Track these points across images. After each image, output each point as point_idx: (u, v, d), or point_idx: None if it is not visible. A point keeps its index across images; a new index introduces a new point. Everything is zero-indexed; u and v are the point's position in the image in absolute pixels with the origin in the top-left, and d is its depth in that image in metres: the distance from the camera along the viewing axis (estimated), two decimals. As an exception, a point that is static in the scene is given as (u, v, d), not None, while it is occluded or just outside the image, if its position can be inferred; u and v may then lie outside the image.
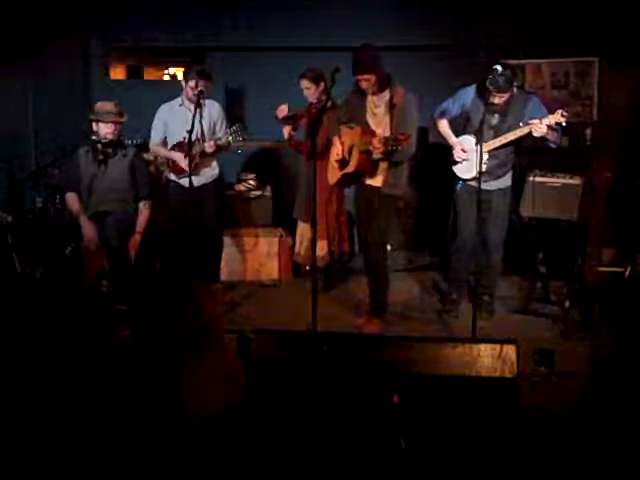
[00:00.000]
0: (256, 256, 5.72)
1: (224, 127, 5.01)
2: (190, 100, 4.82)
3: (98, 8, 6.43)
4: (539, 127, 4.23)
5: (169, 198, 5.14)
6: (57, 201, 5.32)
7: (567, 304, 4.60)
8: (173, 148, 5.00)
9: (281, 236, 5.75)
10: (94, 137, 4.77)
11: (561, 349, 4.02)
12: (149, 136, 5.17)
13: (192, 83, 4.80)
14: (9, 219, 5.07)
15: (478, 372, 3.18)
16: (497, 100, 4.32)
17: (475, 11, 6.06)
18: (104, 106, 4.75)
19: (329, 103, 4.48)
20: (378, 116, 4.34)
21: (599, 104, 6.07)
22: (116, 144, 4.77)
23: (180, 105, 4.98)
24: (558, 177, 5.16)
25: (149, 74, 7.82)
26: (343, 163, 4.42)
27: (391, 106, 4.27)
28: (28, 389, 3.35)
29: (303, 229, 5.33)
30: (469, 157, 4.53)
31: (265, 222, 5.94)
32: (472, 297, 4.52)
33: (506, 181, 4.64)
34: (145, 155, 5.37)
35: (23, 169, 5.98)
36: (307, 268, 5.49)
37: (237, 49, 6.48)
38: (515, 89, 4.39)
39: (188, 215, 4.88)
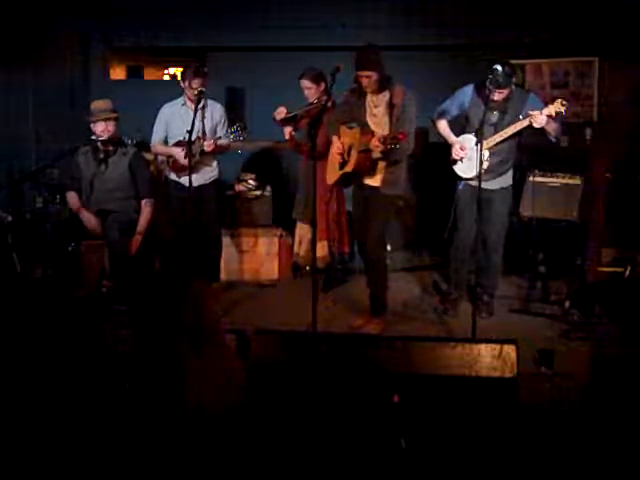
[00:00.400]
0: (256, 256, 5.72)
1: (225, 128, 5.02)
2: (192, 100, 4.82)
3: (98, 8, 6.42)
4: (539, 118, 4.23)
5: (169, 197, 5.14)
6: (57, 201, 5.32)
7: (567, 304, 4.60)
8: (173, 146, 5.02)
9: (281, 236, 5.75)
10: (93, 137, 4.77)
11: (561, 349, 4.02)
12: (149, 135, 5.17)
13: (187, 83, 4.81)
14: (9, 219, 5.07)
15: (478, 372, 3.17)
16: (496, 97, 4.32)
17: (475, 11, 6.06)
18: (97, 105, 4.77)
19: (329, 103, 4.48)
20: (377, 116, 4.34)
21: (599, 104, 6.07)
22: (115, 142, 4.76)
23: (182, 105, 4.99)
24: (558, 177, 5.16)
25: (149, 74, 7.82)
26: (342, 163, 4.43)
27: (390, 106, 4.27)
28: (29, 389, 3.35)
29: (302, 230, 5.32)
30: (469, 155, 4.53)
31: (265, 222, 5.93)
32: (472, 297, 4.52)
33: (507, 180, 4.64)
34: (145, 154, 5.37)
35: (23, 169, 5.99)
36: (307, 268, 5.49)
37: (237, 49, 6.48)
38: (514, 86, 4.39)
39: (188, 215, 4.89)
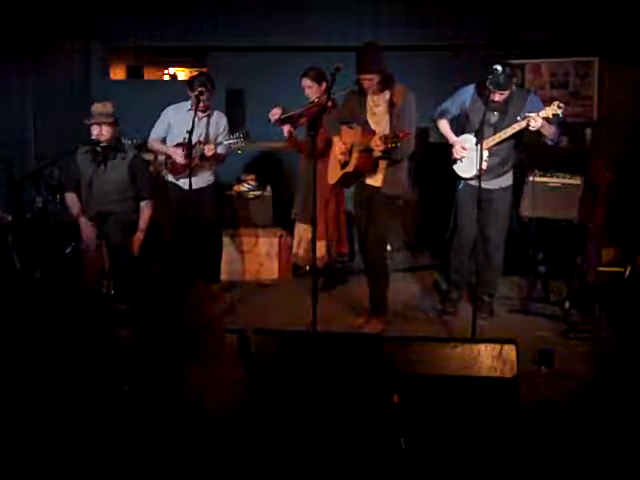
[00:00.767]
0: (256, 256, 5.72)
1: (225, 142, 5.05)
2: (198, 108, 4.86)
3: (98, 8, 6.43)
4: (535, 120, 4.23)
5: (169, 198, 5.15)
6: (57, 201, 5.32)
7: (567, 304, 4.60)
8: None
9: (281, 236, 5.75)
10: (92, 137, 4.77)
11: (561, 349, 4.03)
12: (149, 135, 5.18)
13: (192, 92, 4.86)
14: (9, 219, 5.06)
15: (478, 372, 3.16)
16: (497, 98, 4.33)
17: (475, 11, 6.06)
18: (95, 107, 4.77)
19: (330, 103, 4.48)
20: (378, 115, 4.34)
21: (599, 104, 6.07)
22: (112, 147, 4.75)
23: (189, 110, 4.97)
24: (558, 177, 5.16)
25: (149, 74, 7.82)
26: (343, 162, 4.43)
27: (391, 105, 4.27)
28: (28, 389, 3.35)
29: (301, 230, 5.32)
30: (469, 155, 4.53)
31: (265, 222, 5.94)
32: (472, 297, 4.52)
33: (507, 180, 4.64)
34: (145, 155, 5.37)
35: (23, 169, 5.99)
36: (307, 268, 5.49)
37: (237, 49, 6.48)
38: (514, 87, 4.39)
39: (187, 216, 4.89)
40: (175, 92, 5.16)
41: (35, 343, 3.89)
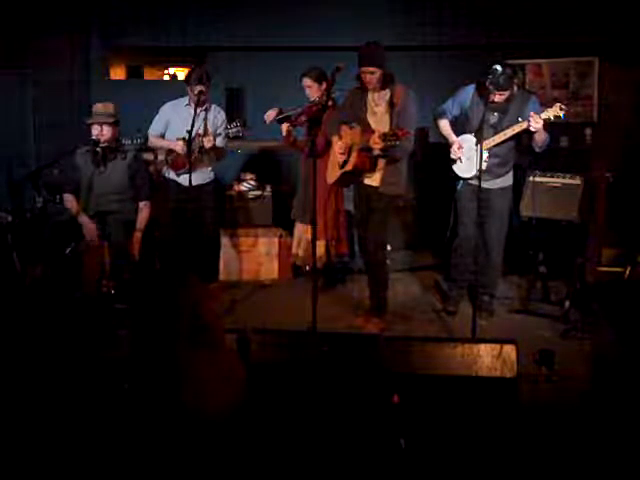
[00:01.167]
0: (256, 256, 5.72)
1: (224, 132, 5.05)
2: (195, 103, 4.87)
3: (98, 8, 6.43)
4: (537, 121, 4.22)
5: (168, 197, 5.15)
6: (57, 201, 5.31)
7: (567, 304, 4.60)
8: None
9: (281, 236, 5.75)
10: (92, 137, 4.77)
11: (561, 349, 4.02)
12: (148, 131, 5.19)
13: (190, 87, 4.89)
14: (9, 219, 5.06)
15: (478, 372, 3.17)
16: (497, 99, 4.33)
17: (475, 11, 6.06)
18: (96, 107, 4.78)
19: (330, 102, 4.48)
20: (378, 114, 4.35)
21: (599, 104, 6.07)
22: (112, 148, 4.75)
23: (186, 105, 5.02)
24: (558, 177, 5.16)
25: (149, 74, 7.81)
26: (343, 162, 4.43)
27: (391, 104, 4.27)
28: (28, 389, 3.35)
29: (301, 230, 5.32)
30: (468, 155, 4.53)
31: (265, 222, 5.93)
32: (472, 297, 4.52)
33: (507, 180, 4.64)
34: (145, 155, 5.37)
35: (23, 169, 5.99)
36: (307, 268, 5.49)
37: (237, 49, 6.48)
38: (515, 88, 4.39)
39: (186, 214, 4.90)
40: (175, 92, 5.15)
41: (35, 343, 3.89)
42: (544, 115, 4.24)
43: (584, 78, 6.10)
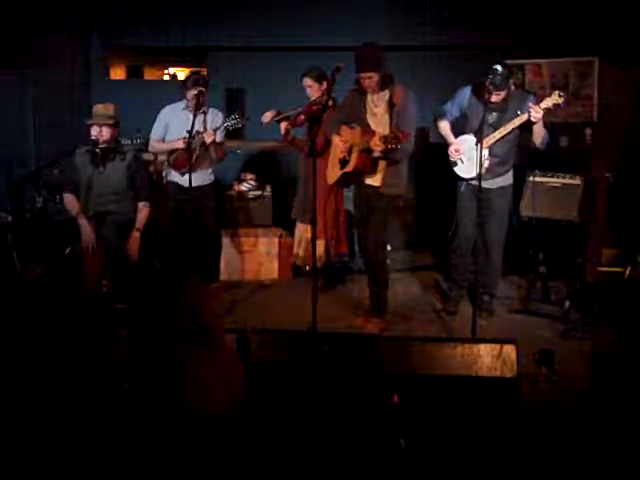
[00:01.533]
0: (256, 256, 5.72)
1: (222, 135, 5.07)
2: (191, 106, 4.90)
3: (98, 8, 6.43)
4: (537, 111, 4.21)
5: (168, 197, 5.15)
6: (57, 201, 5.32)
7: (567, 304, 4.60)
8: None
9: (281, 236, 5.75)
10: (92, 137, 4.77)
11: (561, 349, 4.02)
12: (149, 136, 5.19)
13: (185, 91, 4.92)
14: (9, 219, 5.06)
15: (478, 372, 3.17)
16: (494, 98, 4.32)
17: (475, 11, 6.06)
18: (96, 108, 4.77)
19: (330, 102, 4.48)
20: (378, 115, 4.35)
21: (599, 104, 6.07)
22: (111, 149, 4.74)
23: (183, 109, 5.03)
24: (558, 177, 5.16)
25: (149, 74, 7.82)
26: (343, 162, 4.43)
27: (391, 105, 4.27)
28: (28, 389, 3.35)
29: (301, 229, 5.33)
30: (469, 155, 4.53)
31: (265, 222, 5.93)
32: (472, 297, 4.52)
33: (507, 179, 4.64)
34: (145, 155, 5.37)
35: (23, 169, 5.99)
36: (307, 268, 5.49)
37: (237, 49, 6.48)
38: (513, 87, 4.39)
39: (186, 215, 4.90)
40: (175, 92, 5.16)
41: (35, 343, 3.89)
42: (544, 104, 4.22)
43: (584, 78, 6.10)
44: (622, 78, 5.89)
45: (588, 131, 6.04)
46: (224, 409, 2.16)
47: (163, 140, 5.12)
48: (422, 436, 2.87)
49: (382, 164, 4.35)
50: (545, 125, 4.32)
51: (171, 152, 5.08)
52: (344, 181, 4.58)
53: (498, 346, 3.19)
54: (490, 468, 2.79)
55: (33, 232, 5.19)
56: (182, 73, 8.15)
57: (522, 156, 4.78)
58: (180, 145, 4.92)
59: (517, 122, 4.35)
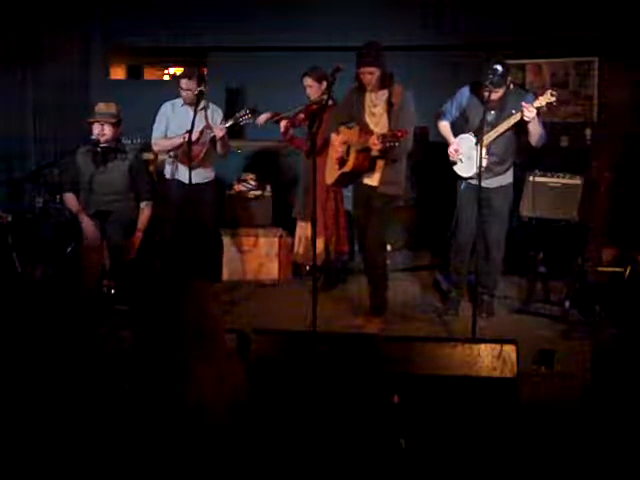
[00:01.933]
0: (256, 256, 5.72)
1: (233, 121, 5.07)
2: (186, 100, 4.95)
3: (98, 8, 6.43)
4: (530, 110, 4.20)
5: (170, 196, 5.15)
6: (57, 201, 5.32)
7: (567, 304, 4.60)
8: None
9: (281, 236, 5.75)
10: (93, 137, 4.77)
11: (561, 349, 4.02)
12: (150, 136, 5.19)
13: (178, 83, 4.99)
14: (9, 219, 5.06)
15: (478, 372, 3.16)
16: (492, 97, 4.32)
17: (475, 11, 6.06)
18: (98, 107, 4.78)
19: (330, 102, 4.49)
20: (376, 115, 4.35)
21: (599, 104, 6.07)
22: (113, 148, 4.74)
23: (182, 105, 5.05)
24: (558, 177, 5.16)
25: (149, 74, 7.82)
26: (341, 162, 4.43)
27: (389, 104, 4.27)
28: (28, 389, 3.35)
29: (301, 228, 5.33)
30: (468, 155, 4.53)
31: (265, 222, 5.93)
32: (472, 297, 4.52)
33: (506, 178, 4.64)
34: (145, 155, 5.37)
35: (23, 169, 5.99)
36: (307, 268, 5.49)
37: (237, 49, 6.48)
38: (512, 85, 4.39)
39: (186, 213, 4.90)
40: (175, 92, 5.15)
41: (35, 343, 3.89)
42: (537, 104, 4.20)
43: (584, 78, 6.10)
44: (622, 78, 5.90)
45: (588, 131, 6.04)
46: (225, 409, 2.16)
47: (166, 136, 5.12)
48: (422, 436, 2.87)
49: (380, 163, 4.35)
50: (544, 124, 4.31)
51: (178, 147, 5.07)
52: (343, 181, 4.58)
53: (498, 346, 3.19)
54: (490, 468, 2.79)
55: (33, 232, 5.19)
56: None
57: (522, 155, 4.78)
58: (184, 140, 4.90)
59: (512, 121, 4.34)
